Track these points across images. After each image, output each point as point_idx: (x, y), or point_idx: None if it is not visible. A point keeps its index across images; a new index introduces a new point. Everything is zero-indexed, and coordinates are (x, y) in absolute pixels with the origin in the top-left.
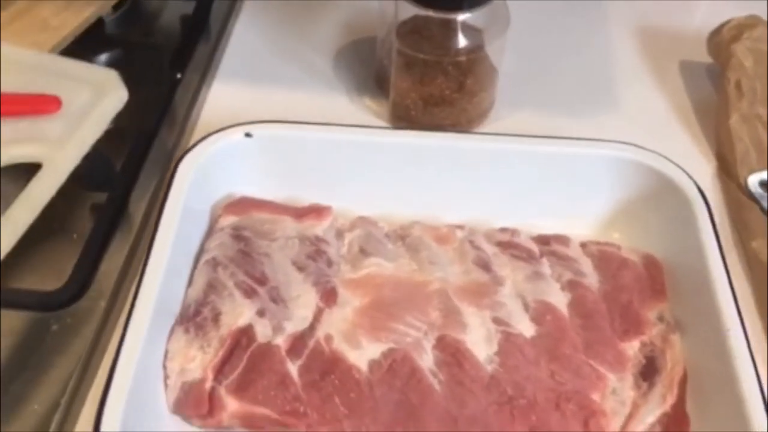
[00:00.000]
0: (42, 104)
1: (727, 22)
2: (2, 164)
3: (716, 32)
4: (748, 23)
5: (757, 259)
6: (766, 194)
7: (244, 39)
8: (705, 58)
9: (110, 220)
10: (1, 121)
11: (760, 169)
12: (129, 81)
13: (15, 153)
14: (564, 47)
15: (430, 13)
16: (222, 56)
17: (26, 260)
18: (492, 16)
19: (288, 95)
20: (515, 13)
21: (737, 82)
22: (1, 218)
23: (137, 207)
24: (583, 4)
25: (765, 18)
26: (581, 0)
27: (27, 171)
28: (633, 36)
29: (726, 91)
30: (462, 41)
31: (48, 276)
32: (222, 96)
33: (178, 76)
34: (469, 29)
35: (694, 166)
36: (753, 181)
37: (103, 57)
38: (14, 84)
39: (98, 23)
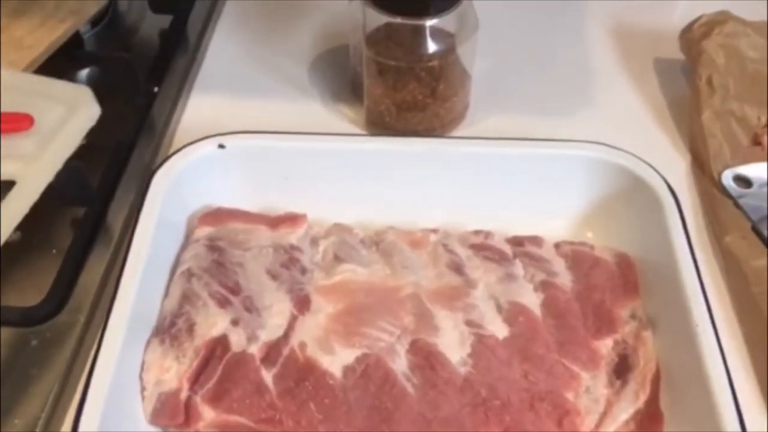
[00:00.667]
0: (14, 122)
1: (698, 18)
2: None
3: (687, 29)
4: (719, 19)
5: (730, 254)
6: (739, 189)
7: (221, 51)
8: (680, 55)
9: (89, 234)
10: None
11: (734, 165)
12: (107, 95)
13: None
14: (538, 47)
15: (398, 19)
16: (199, 69)
17: (6, 276)
18: (460, 20)
19: (265, 105)
20: (488, 15)
21: (708, 78)
22: None
23: (116, 220)
24: (557, 4)
25: (734, 14)
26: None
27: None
28: (608, 35)
29: (698, 88)
30: (432, 46)
31: (28, 291)
32: (199, 108)
33: (156, 89)
34: (439, 34)
35: (669, 163)
36: (727, 176)
37: (83, 73)
38: None
39: (77, 39)
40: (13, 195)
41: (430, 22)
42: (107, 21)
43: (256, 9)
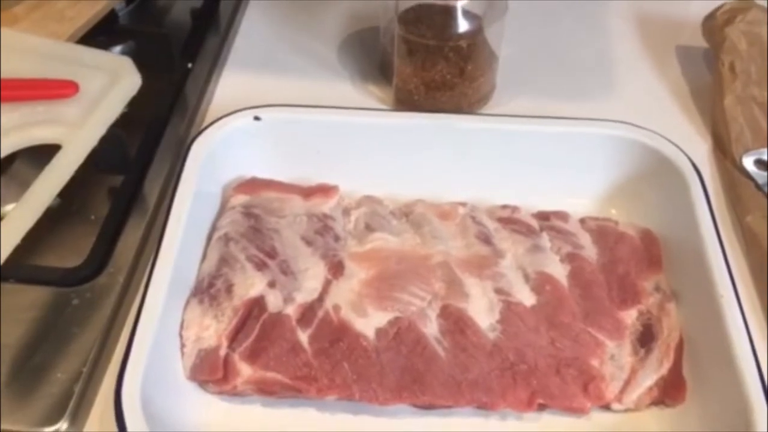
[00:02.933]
0: (59, 89)
1: (721, 6)
2: (24, 145)
3: (710, 16)
4: (741, 6)
5: (751, 233)
6: (760, 172)
7: (252, 30)
8: (701, 43)
9: (126, 201)
10: (21, 105)
11: (755, 149)
12: (142, 71)
13: (35, 135)
14: (563, 33)
15: (431, 0)
16: (231, 47)
17: (48, 240)
18: (490, 2)
19: (295, 83)
20: (514, 2)
21: (731, 64)
22: (27, 193)
23: (151, 189)
24: None
25: (757, 1)
26: None
27: (43, 156)
28: (632, 22)
29: (720, 73)
30: (462, 27)
31: (68, 254)
32: (231, 84)
33: (189, 65)
34: (468, 15)
35: (691, 145)
36: (748, 159)
37: (117, 48)
38: (33, 70)
39: (112, 16)
40: (59, 158)
41: (460, 3)
42: None
43: None
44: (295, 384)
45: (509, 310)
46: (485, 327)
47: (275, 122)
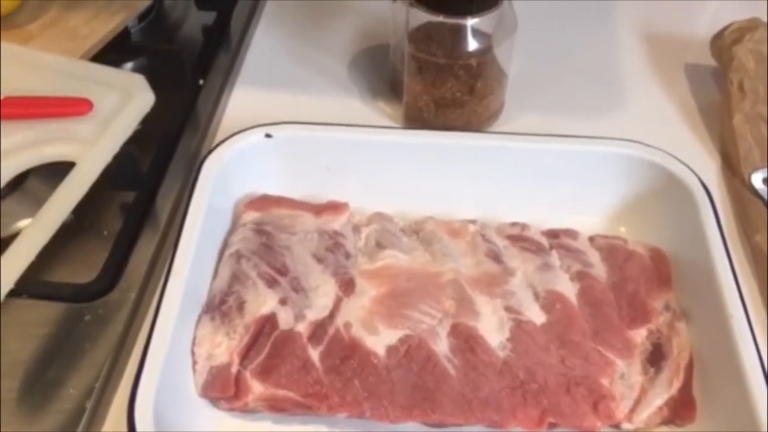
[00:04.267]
0: (74, 106)
1: (729, 25)
2: (38, 163)
3: (718, 35)
4: (750, 26)
5: (760, 252)
6: None
7: (263, 47)
8: (710, 61)
9: (138, 217)
10: (35, 122)
11: (764, 167)
12: (154, 87)
13: (50, 152)
14: (572, 50)
15: (441, 18)
16: (242, 64)
17: (61, 255)
18: (500, 21)
19: (305, 100)
20: (524, 17)
21: (740, 83)
22: (41, 210)
23: (163, 205)
24: (590, 8)
25: (766, 21)
26: (589, 2)
27: (56, 173)
28: (640, 40)
29: (729, 92)
30: (472, 45)
31: (80, 270)
32: (242, 101)
33: (201, 82)
34: (478, 33)
35: (699, 164)
36: (757, 178)
37: (129, 65)
38: (47, 88)
39: (124, 33)
40: (73, 175)
41: (470, 22)
42: (153, 16)
43: (297, 7)
44: (306, 401)
45: (519, 328)
46: (495, 345)
47: (286, 139)
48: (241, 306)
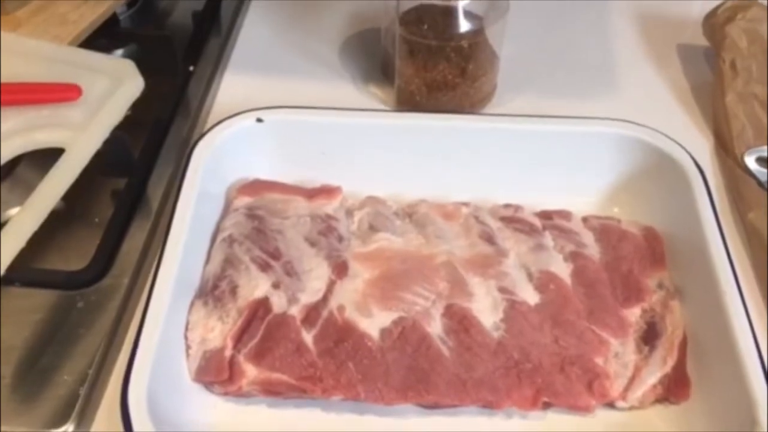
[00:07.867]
0: (63, 92)
1: (722, 4)
2: (27, 149)
3: (711, 14)
4: (742, 5)
5: (754, 229)
6: (762, 169)
7: (254, 32)
8: (702, 41)
9: (130, 203)
10: (24, 109)
11: (757, 146)
12: (144, 73)
13: (39, 138)
14: (565, 32)
15: (432, 0)
16: (232, 49)
17: (53, 243)
18: (491, 2)
19: (297, 85)
20: (516, 1)
21: (732, 61)
22: (31, 196)
23: (155, 191)
24: None
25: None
26: None
27: (48, 160)
28: (633, 21)
29: (721, 71)
30: (463, 27)
31: (73, 257)
32: (233, 86)
33: (191, 68)
34: (469, 15)
35: (693, 143)
36: (750, 157)
37: (119, 51)
38: (36, 74)
39: (113, 20)
40: (63, 161)
41: (462, 4)
42: (142, 2)
43: None
44: (301, 384)
45: (513, 308)
46: (489, 326)
47: (278, 124)
48: (234, 290)
